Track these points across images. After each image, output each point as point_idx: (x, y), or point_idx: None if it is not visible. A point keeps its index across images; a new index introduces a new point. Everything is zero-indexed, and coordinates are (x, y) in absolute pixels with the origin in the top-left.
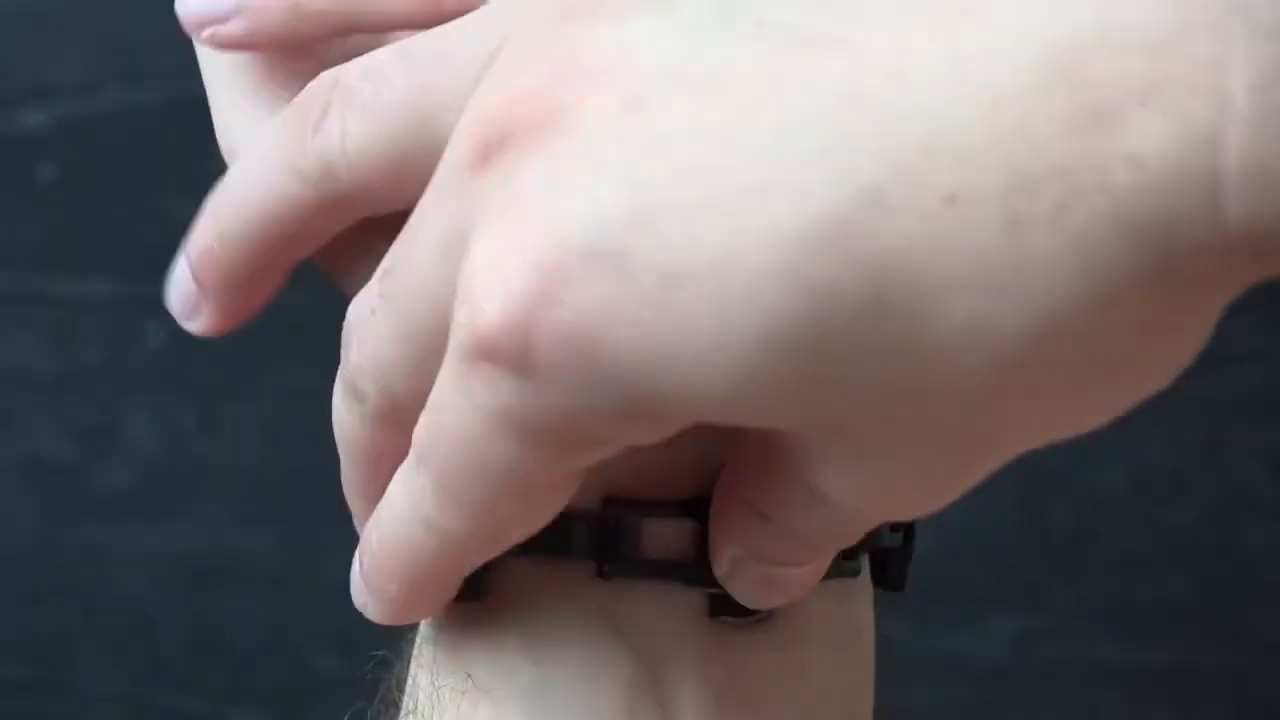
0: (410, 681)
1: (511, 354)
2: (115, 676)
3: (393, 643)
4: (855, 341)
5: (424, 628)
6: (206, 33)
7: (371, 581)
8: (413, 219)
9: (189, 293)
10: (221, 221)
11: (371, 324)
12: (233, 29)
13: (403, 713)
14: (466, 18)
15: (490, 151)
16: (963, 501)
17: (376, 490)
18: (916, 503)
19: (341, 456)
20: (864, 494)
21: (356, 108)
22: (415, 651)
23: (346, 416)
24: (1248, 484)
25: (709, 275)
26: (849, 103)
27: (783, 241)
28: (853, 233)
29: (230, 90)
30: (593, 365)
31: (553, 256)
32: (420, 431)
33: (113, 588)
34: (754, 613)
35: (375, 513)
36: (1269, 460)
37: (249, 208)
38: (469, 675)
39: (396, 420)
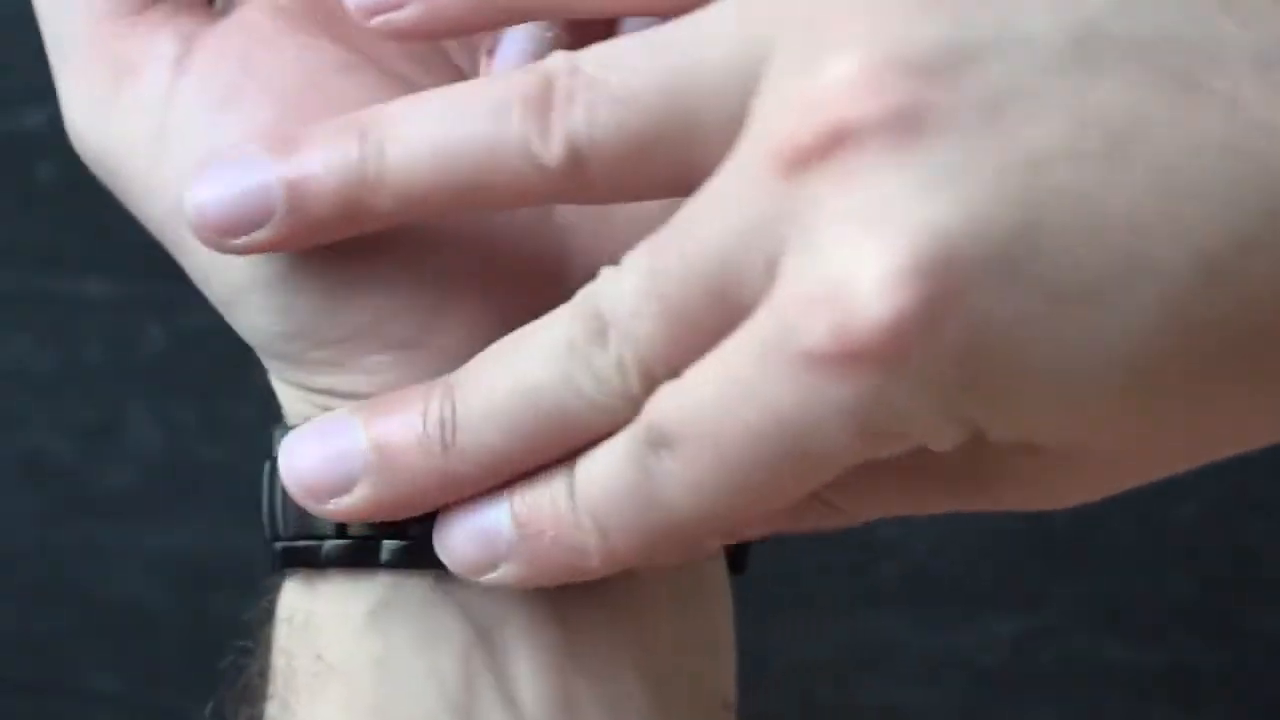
0: (273, 667)
1: (891, 358)
2: (115, 676)
3: (257, 631)
4: (1224, 374)
5: (279, 610)
6: (378, 20)
7: (538, 549)
8: (693, 207)
9: None
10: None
11: (632, 302)
12: (409, 15)
13: (267, 699)
14: (711, 7)
15: (821, 148)
16: None
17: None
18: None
19: (528, 422)
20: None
21: (605, 96)
22: (276, 634)
23: (568, 390)
24: (1248, 484)
25: (1093, 298)
26: (1228, 153)
27: (1164, 276)
28: (1231, 274)
29: None
30: (971, 375)
31: (941, 265)
32: (676, 414)
33: (113, 587)
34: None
35: (554, 487)
36: (1269, 460)
37: (479, 192)
38: (319, 656)
39: (628, 399)
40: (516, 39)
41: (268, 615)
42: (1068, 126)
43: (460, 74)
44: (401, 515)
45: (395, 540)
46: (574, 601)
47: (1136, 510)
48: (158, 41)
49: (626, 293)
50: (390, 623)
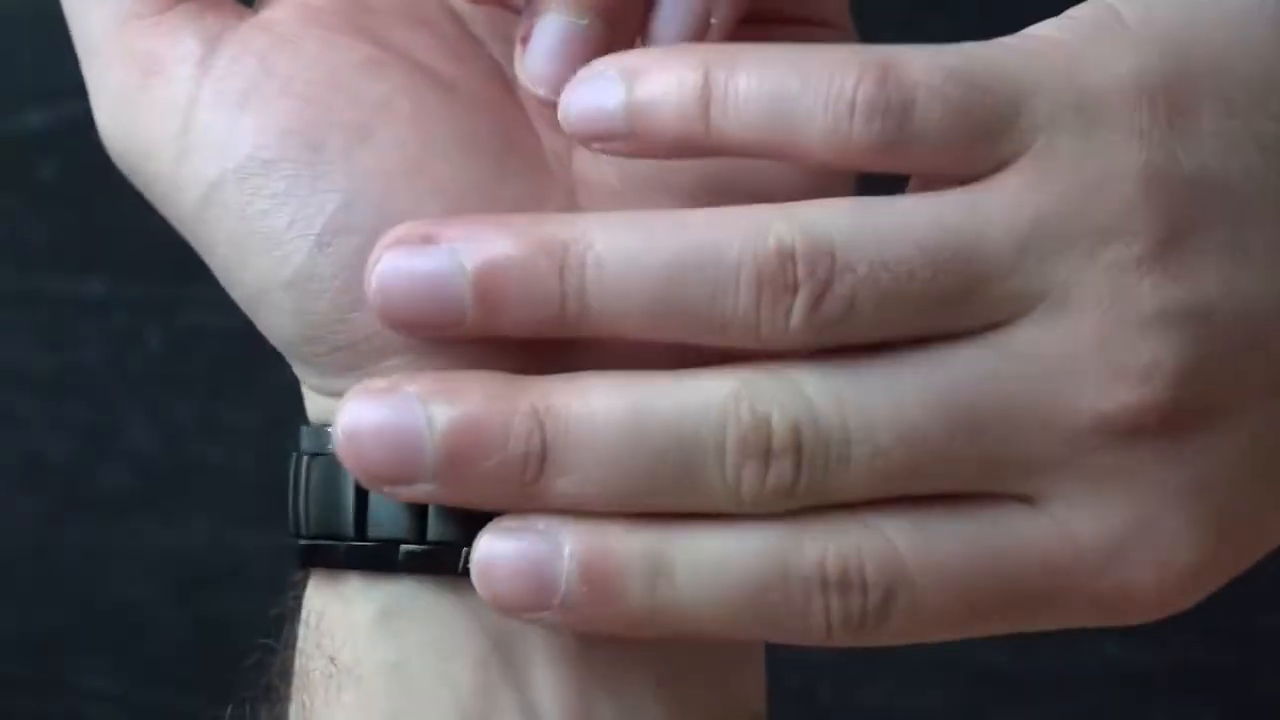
0: (293, 667)
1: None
2: (115, 676)
3: (279, 629)
4: None
5: (302, 612)
6: (595, 146)
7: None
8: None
9: None
10: None
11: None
12: (622, 147)
13: (288, 699)
14: (996, 191)
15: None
16: None
17: None
18: None
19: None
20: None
21: (871, 293)
22: (298, 635)
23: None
24: None
25: None
26: None
27: None
28: None
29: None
30: None
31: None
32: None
33: (112, 588)
34: None
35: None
36: None
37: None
38: (332, 659)
39: (781, 493)
40: (550, 29)
41: (292, 613)
42: None
43: (494, 66)
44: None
45: (414, 545)
46: None
47: None
48: (182, 40)
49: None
50: (404, 628)
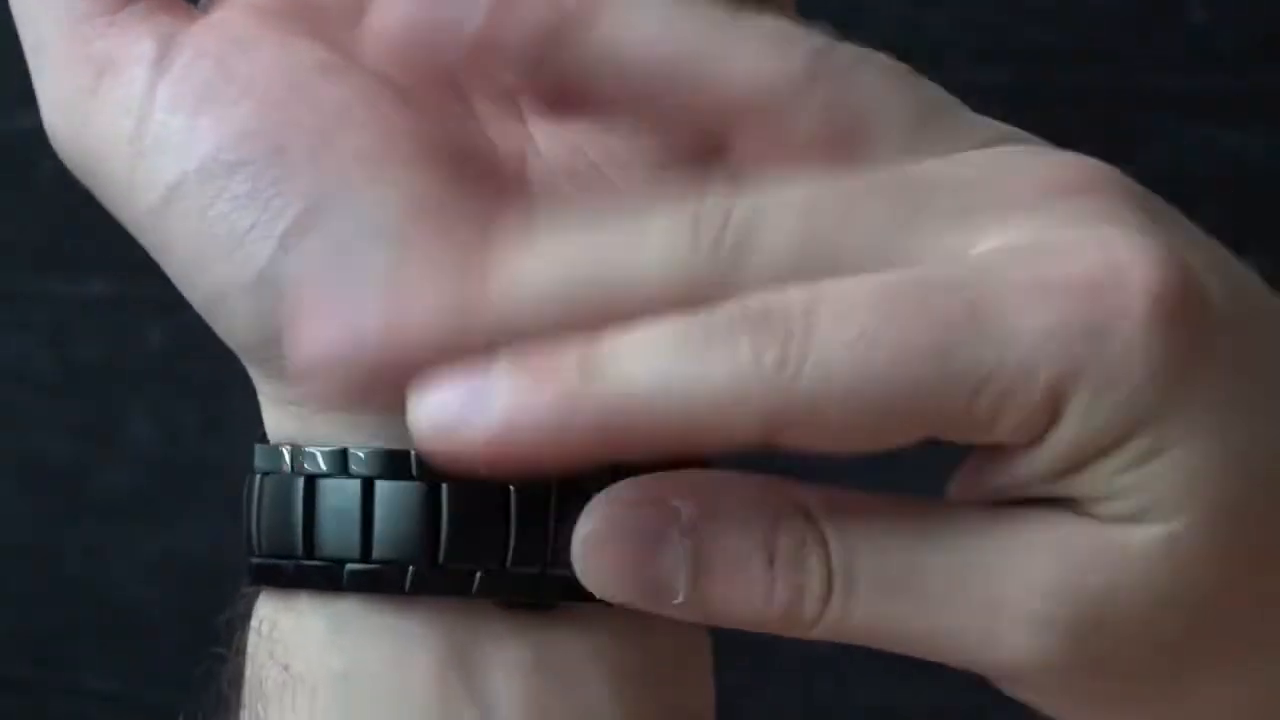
0: (245, 677)
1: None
2: (115, 676)
3: (230, 638)
4: None
5: (252, 621)
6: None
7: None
8: None
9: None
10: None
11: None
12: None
13: (241, 706)
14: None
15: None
16: None
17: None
18: None
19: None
20: None
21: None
22: (249, 644)
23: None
24: None
25: None
26: None
27: None
28: None
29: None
30: None
31: None
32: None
33: (112, 588)
34: (550, 606)
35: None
36: None
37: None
38: (285, 667)
39: None
40: None
41: (243, 620)
42: None
43: (446, 75)
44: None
45: (359, 565)
46: (543, 622)
47: None
48: (136, 41)
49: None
50: (355, 641)
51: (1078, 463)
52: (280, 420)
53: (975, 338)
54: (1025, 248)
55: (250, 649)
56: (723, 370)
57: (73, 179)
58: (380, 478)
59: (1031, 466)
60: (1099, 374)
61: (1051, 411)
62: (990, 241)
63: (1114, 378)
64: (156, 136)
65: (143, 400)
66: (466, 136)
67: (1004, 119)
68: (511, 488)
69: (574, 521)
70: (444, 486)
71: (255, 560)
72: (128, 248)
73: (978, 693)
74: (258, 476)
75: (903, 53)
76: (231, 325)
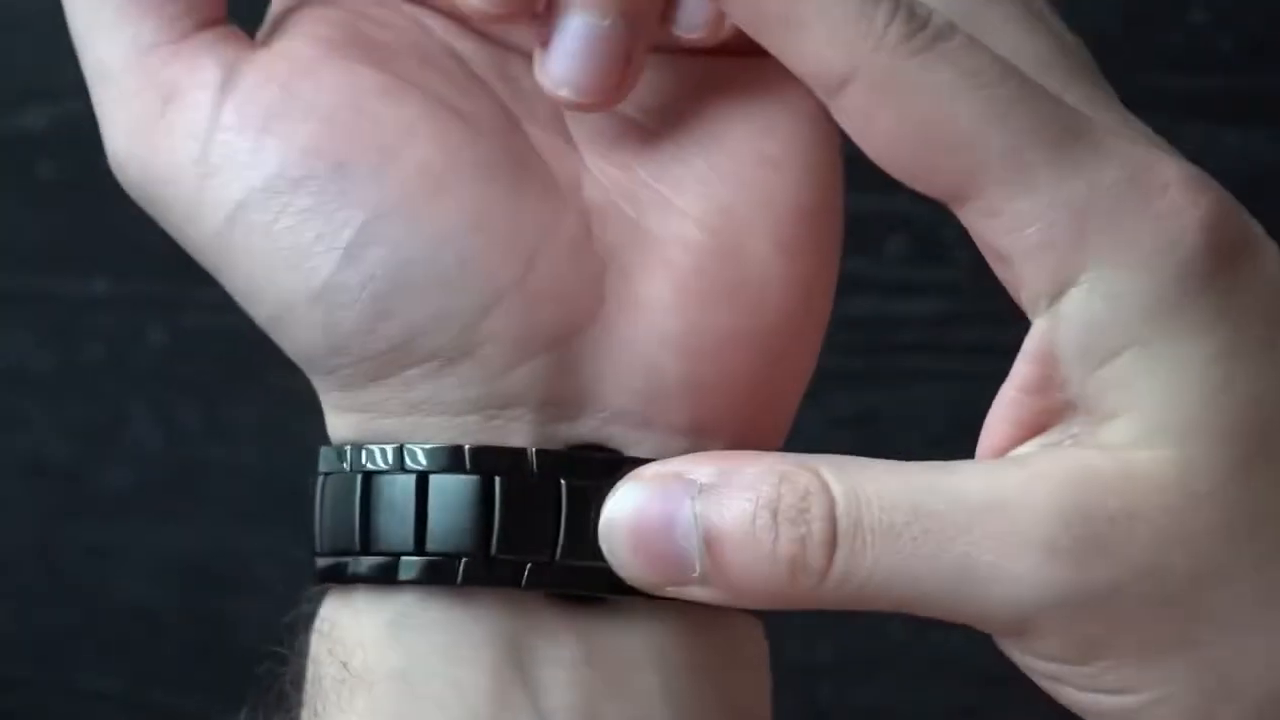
0: (306, 675)
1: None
2: (115, 676)
3: (292, 638)
4: None
5: (316, 622)
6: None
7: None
8: None
9: None
10: None
11: None
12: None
13: (300, 705)
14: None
15: None
16: None
17: None
18: None
19: None
20: None
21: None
22: (312, 644)
23: None
24: None
25: None
26: None
27: None
28: None
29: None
30: None
31: None
32: None
33: (113, 588)
34: (599, 598)
35: None
36: None
37: None
38: (344, 664)
39: None
40: (572, 29)
41: (306, 621)
42: None
43: (498, 102)
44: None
45: (416, 557)
46: (595, 617)
47: None
48: (202, 68)
49: None
50: (412, 637)
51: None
52: (344, 426)
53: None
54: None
55: (313, 649)
56: None
57: (73, 179)
58: (435, 472)
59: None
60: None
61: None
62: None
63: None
64: (222, 156)
65: (143, 400)
66: (523, 156)
67: None
68: (562, 481)
69: None
70: (497, 480)
71: (318, 559)
72: (128, 248)
73: (978, 693)
74: (321, 478)
75: None
76: (299, 335)
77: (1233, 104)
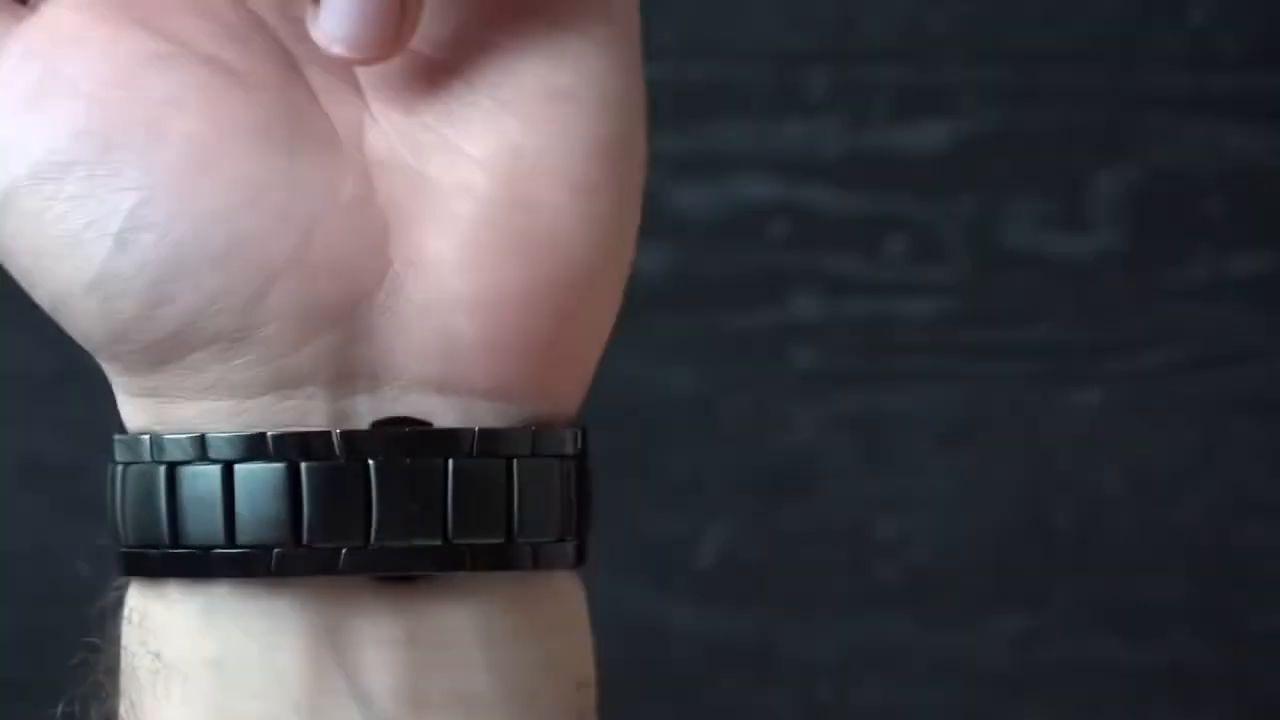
0: (120, 665)
1: None
2: None
3: (102, 628)
4: None
5: (124, 609)
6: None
7: None
8: None
9: None
10: None
11: None
12: None
13: (118, 695)
14: None
15: None
16: (963, 501)
17: None
18: None
19: None
20: None
21: None
22: (122, 633)
23: None
24: (1248, 484)
25: None
26: None
27: None
28: None
29: None
30: None
31: None
32: None
33: (111, 588)
34: (418, 577)
35: None
36: (1269, 460)
37: None
38: (157, 655)
39: None
40: None
41: (114, 609)
42: None
43: (277, 47)
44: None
45: (226, 549)
46: (415, 595)
47: (1136, 510)
48: None
49: None
50: (226, 625)
51: None
52: (136, 412)
53: None
54: None
55: (124, 639)
56: None
57: None
58: (239, 461)
59: None
60: None
61: None
62: None
63: None
64: None
65: None
66: (302, 112)
67: (1004, 119)
68: (370, 461)
69: (438, 493)
70: (303, 466)
71: (123, 550)
72: None
73: (978, 693)
74: (119, 467)
75: (903, 53)
76: (79, 323)
77: (1233, 104)
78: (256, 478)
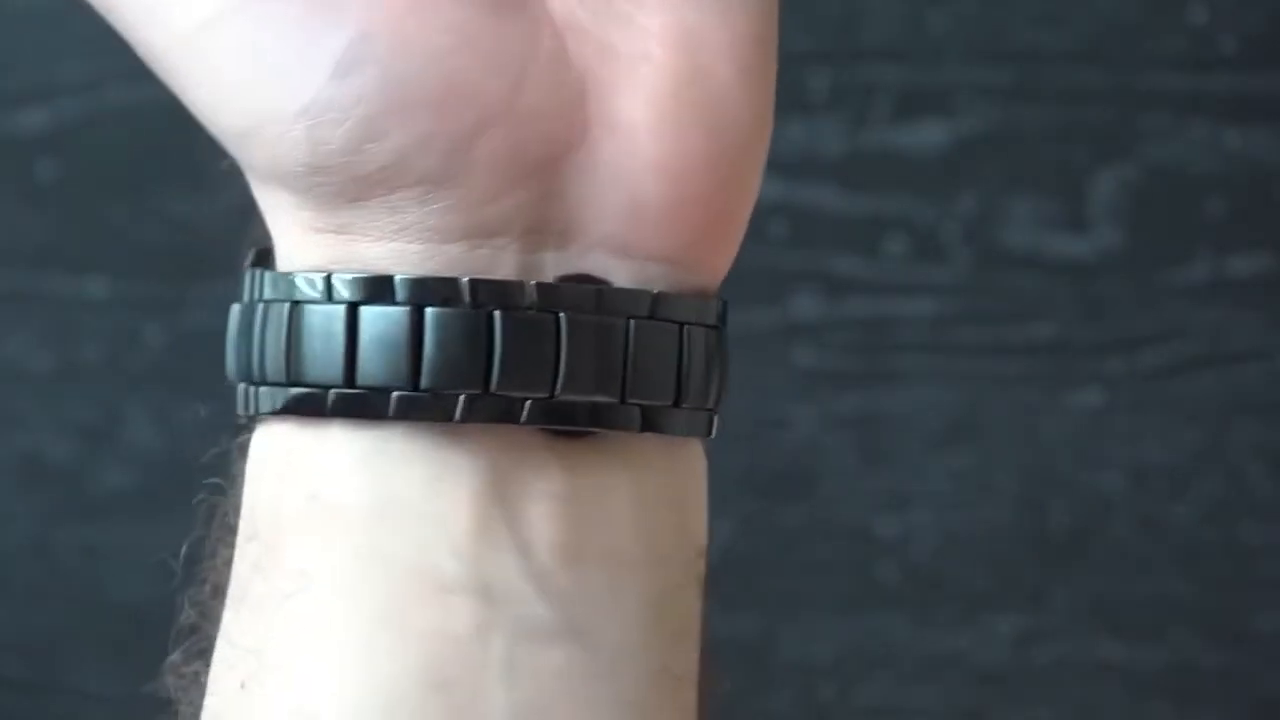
0: (246, 506)
1: None
2: (114, 676)
3: (227, 470)
4: None
5: (256, 450)
6: None
7: None
8: None
9: None
10: None
11: None
12: None
13: (242, 538)
14: None
15: None
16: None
17: None
18: None
19: None
20: None
21: None
22: (254, 473)
23: None
24: (1248, 484)
25: None
26: None
27: None
28: None
29: None
30: None
31: None
32: None
33: (112, 588)
34: (586, 433)
35: None
36: (1269, 460)
37: None
38: (314, 495)
39: None
40: None
41: (242, 450)
42: None
43: None
44: None
45: (409, 392)
46: (579, 451)
47: (1136, 510)
48: None
49: None
50: (389, 467)
51: None
52: (313, 248)
53: None
54: None
55: (270, 478)
56: None
57: (73, 179)
58: (430, 305)
59: None
60: None
61: None
62: None
63: None
64: None
65: (143, 400)
66: None
67: (1004, 119)
68: (562, 315)
69: (619, 351)
70: (497, 314)
71: (292, 390)
72: (127, 248)
73: (978, 693)
74: (290, 305)
75: (903, 53)
76: (274, 153)
77: (1234, 104)
78: (447, 323)
